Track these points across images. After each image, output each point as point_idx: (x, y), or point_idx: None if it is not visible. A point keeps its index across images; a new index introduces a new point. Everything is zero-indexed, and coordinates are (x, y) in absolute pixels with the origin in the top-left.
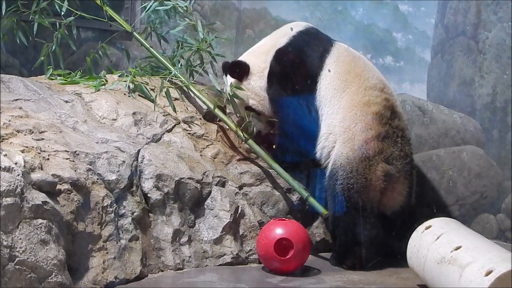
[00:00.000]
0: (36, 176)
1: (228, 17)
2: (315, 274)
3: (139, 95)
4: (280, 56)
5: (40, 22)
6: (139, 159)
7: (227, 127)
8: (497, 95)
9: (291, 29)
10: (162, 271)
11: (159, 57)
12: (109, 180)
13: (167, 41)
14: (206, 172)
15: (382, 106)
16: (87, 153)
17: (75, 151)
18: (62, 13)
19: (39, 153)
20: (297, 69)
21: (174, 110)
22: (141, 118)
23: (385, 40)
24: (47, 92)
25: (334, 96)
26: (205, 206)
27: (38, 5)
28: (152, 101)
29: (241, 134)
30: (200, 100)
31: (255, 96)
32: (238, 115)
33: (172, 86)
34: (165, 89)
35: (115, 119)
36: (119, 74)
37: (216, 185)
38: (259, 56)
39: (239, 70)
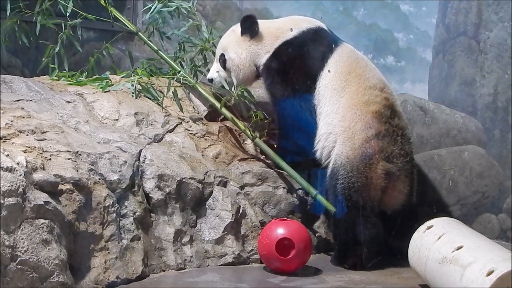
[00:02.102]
0: (38, 176)
1: (230, 17)
2: (316, 274)
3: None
4: (284, 49)
5: (44, 24)
6: (141, 159)
7: (230, 127)
8: (499, 95)
9: (303, 23)
10: (164, 271)
11: (165, 57)
12: (111, 180)
13: (170, 39)
14: (207, 172)
15: (382, 105)
16: (89, 153)
17: (77, 151)
18: (68, 14)
19: (41, 153)
20: (297, 66)
21: (181, 109)
22: (143, 118)
23: (387, 40)
24: (49, 92)
25: (334, 96)
26: (207, 206)
27: (41, 6)
28: (159, 104)
29: (249, 133)
30: (207, 99)
31: (242, 60)
32: (248, 116)
33: (180, 85)
34: (172, 89)
35: (117, 119)
36: (124, 74)
37: (217, 185)
38: (269, 37)
39: (251, 28)
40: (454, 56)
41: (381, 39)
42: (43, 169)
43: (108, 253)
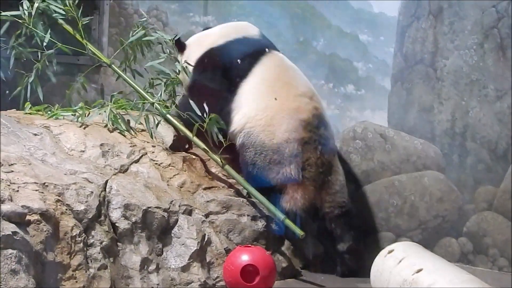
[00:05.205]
0: (5, 207)
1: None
2: None
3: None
4: (207, 55)
5: (18, 58)
6: (107, 190)
7: (194, 157)
8: (456, 121)
9: (231, 30)
10: None
11: (137, 87)
12: (77, 211)
13: (143, 76)
14: (173, 201)
15: (312, 114)
16: (55, 184)
17: (44, 183)
18: (45, 44)
19: (9, 185)
20: (218, 73)
21: (152, 136)
22: (109, 149)
23: (346, 69)
24: (16, 125)
25: (260, 98)
26: (172, 235)
27: (17, 40)
28: (123, 132)
29: (219, 159)
30: (179, 129)
31: (181, 74)
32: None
33: (150, 113)
34: (144, 116)
35: (83, 151)
36: (96, 104)
37: (183, 214)
38: (195, 45)
39: (177, 44)
40: (412, 84)
41: (341, 68)
42: (11, 200)
43: (76, 282)
